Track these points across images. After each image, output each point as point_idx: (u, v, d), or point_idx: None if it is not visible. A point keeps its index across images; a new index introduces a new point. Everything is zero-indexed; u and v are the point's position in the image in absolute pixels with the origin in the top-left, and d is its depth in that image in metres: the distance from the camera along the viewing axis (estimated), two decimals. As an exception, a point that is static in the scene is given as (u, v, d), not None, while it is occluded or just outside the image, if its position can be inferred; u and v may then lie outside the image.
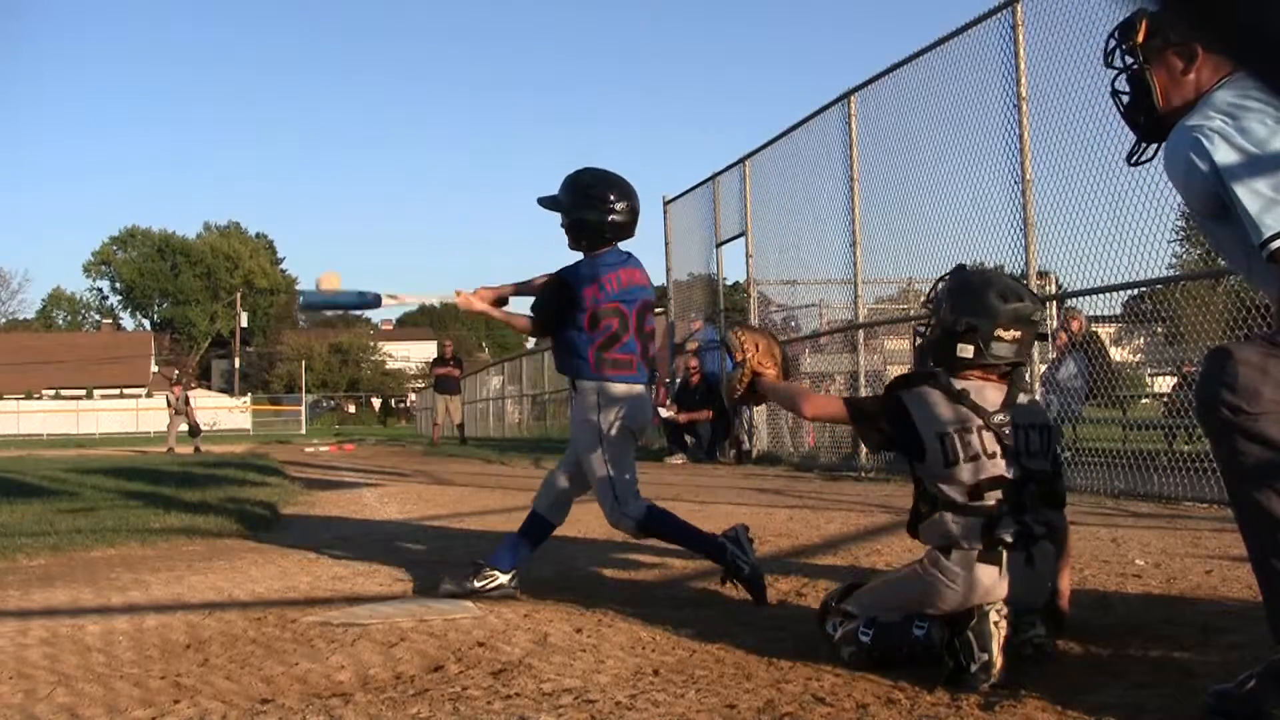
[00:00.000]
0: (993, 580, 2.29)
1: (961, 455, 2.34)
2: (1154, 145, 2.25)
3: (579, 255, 3.50)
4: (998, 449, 2.35)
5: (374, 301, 3.66)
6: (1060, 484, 2.52)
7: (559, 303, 3.42)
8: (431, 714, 2.15)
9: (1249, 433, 1.88)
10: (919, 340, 2.62)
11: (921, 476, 2.44)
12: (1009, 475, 2.34)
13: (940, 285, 2.57)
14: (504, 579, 3.42)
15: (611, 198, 3.45)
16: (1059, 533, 2.50)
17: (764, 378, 2.82)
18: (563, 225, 3.52)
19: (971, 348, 2.41)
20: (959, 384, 2.41)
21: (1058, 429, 2.57)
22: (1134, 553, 3.94)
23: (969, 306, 2.44)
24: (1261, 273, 1.97)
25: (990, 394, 2.41)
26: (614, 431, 3.37)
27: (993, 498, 2.33)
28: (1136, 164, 2.31)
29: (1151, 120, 2.20)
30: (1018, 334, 2.42)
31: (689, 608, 3.22)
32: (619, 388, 3.39)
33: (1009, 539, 2.30)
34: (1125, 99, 2.25)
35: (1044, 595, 2.42)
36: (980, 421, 2.36)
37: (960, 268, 2.64)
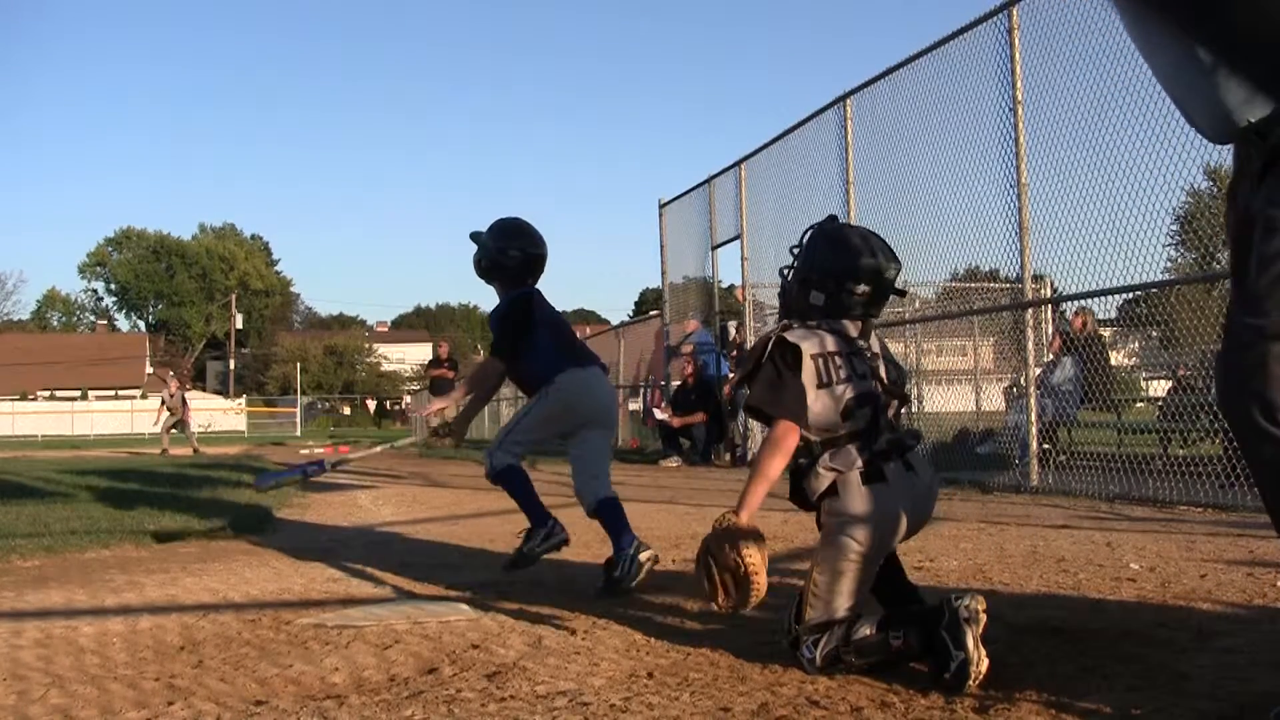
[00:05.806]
0: (885, 496, 2.38)
1: (836, 377, 2.46)
2: None
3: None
4: (866, 370, 2.51)
5: (319, 469, 4.27)
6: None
7: (527, 320, 3.79)
8: (426, 716, 2.15)
9: None
10: (781, 284, 2.72)
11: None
12: (876, 393, 2.49)
13: (808, 233, 2.67)
14: (642, 556, 3.62)
15: (517, 244, 3.91)
16: None
17: (758, 540, 2.43)
18: (483, 263, 3.92)
19: (824, 296, 2.55)
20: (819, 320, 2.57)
21: (905, 372, 2.64)
22: (1128, 556, 3.95)
23: (826, 258, 2.58)
24: None
25: (848, 327, 2.56)
26: (553, 405, 3.75)
27: (863, 417, 2.45)
28: None
29: None
30: (868, 289, 2.55)
31: (683, 610, 3.22)
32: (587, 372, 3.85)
33: (885, 447, 2.42)
34: None
35: (933, 504, 2.54)
36: (848, 347, 2.52)
37: (831, 218, 2.72)
